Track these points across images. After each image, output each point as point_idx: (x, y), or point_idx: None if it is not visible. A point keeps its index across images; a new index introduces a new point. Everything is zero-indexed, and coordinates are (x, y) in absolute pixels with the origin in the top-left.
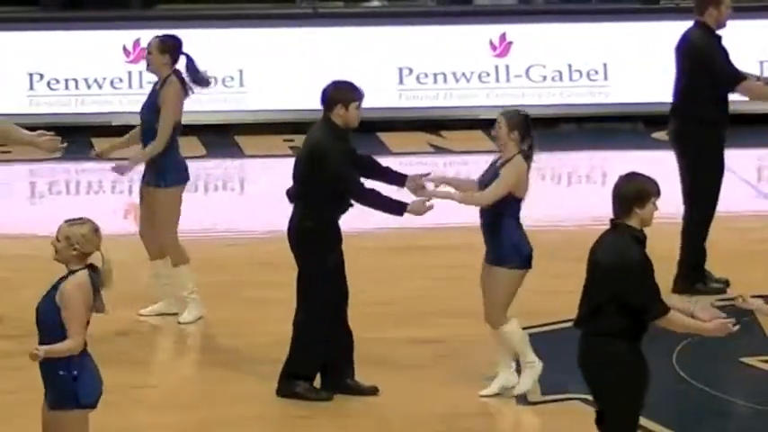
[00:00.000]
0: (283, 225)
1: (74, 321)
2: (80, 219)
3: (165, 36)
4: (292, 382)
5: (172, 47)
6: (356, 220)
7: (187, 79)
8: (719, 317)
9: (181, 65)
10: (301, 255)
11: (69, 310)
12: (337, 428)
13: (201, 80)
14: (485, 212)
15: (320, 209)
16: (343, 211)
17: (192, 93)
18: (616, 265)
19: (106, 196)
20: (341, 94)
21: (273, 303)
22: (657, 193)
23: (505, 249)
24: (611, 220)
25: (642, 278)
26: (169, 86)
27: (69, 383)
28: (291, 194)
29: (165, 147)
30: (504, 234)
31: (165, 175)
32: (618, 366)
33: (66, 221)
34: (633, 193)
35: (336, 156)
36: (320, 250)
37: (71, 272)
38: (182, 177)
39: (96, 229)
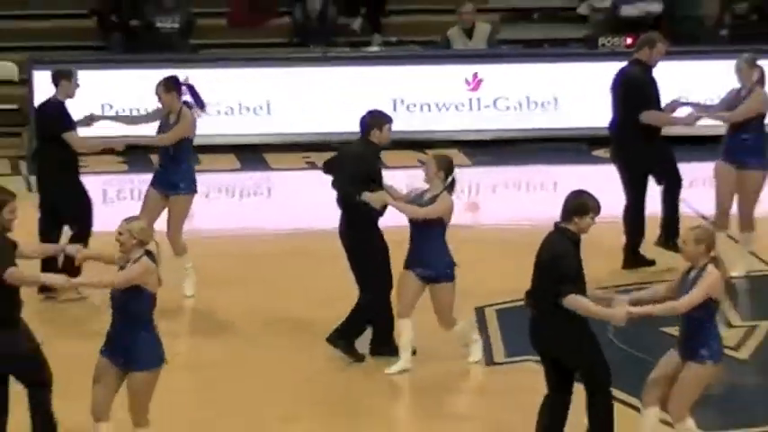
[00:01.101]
0: (305, 224)
1: (126, 276)
2: (134, 216)
3: (164, 78)
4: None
5: (173, 85)
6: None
7: (193, 105)
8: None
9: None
10: (355, 252)
11: (131, 270)
12: (342, 431)
13: (202, 104)
14: (414, 229)
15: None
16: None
17: (200, 116)
18: (550, 257)
19: (110, 202)
20: (376, 120)
21: (303, 290)
22: (596, 210)
23: (441, 267)
24: (555, 224)
25: (564, 263)
26: (184, 118)
27: (153, 344)
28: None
29: (170, 149)
30: (438, 253)
31: (180, 184)
32: (574, 336)
33: (125, 220)
34: (577, 206)
35: (372, 166)
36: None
37: (134, 260)
38: (193, 188)
39: (148, 224)
